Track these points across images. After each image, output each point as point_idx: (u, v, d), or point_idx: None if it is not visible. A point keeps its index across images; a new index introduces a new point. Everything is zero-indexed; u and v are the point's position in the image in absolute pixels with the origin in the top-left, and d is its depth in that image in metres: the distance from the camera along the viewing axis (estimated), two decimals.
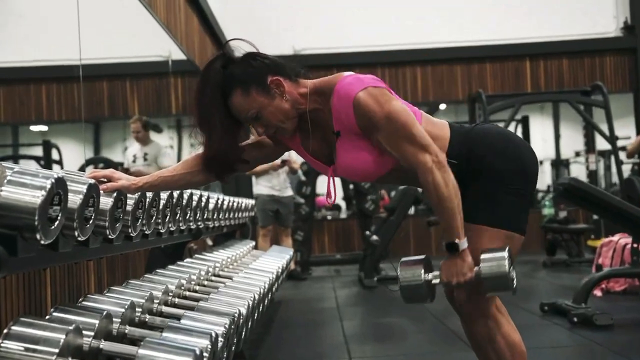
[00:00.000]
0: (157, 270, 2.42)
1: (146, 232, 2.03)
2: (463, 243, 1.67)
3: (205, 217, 3.10)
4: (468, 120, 7.97)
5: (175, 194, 2.38)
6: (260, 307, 2.71)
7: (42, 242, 1.28)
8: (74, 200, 1.41)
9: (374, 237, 5.88)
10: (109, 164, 7.54)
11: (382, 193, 9.02)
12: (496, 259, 1.68)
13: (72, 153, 9.66)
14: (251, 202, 5.01)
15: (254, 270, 3.18)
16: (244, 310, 2.03)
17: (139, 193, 1.82)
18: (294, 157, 6.19)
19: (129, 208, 1.78)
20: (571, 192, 3.72)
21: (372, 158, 1.70)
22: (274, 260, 3.98)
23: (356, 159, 1.70)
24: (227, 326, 1.68)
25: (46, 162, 8.64)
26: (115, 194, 1.64)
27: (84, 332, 1.39)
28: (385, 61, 8.87)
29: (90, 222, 1.50)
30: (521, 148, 1.81)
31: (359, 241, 8.11)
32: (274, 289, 3.34)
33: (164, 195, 2.19)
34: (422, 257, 1.76)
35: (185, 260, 2.95)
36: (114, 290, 1.84)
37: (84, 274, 2.89)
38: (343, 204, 9.19)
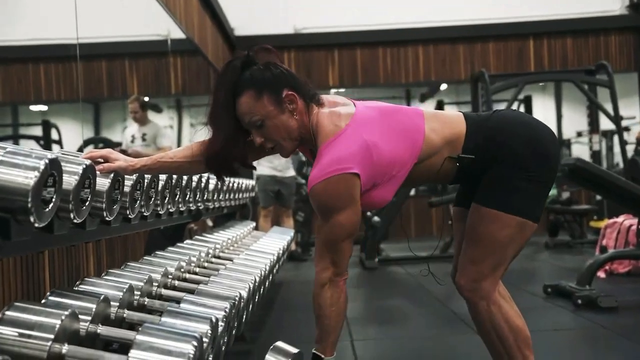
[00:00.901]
0: (157, 252, 2.39)
1: (145, 213, 1.99)
2: None
3: (205, 198, 3.06)
4: (470, 100, 7.89)
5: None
6: (262, 290, 2.68)
7: (36, 224, 1.23)
8: (69, 181, 1.36)
9: (375, 219, 5.84)
10: (108, 143, 7.48)
11: None
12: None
13: (72, 133, 9.61)
14: (251, 182, 4.97)
15: (254, 252, 3.14)
16: (244, 294, 1.99)
17: (137, 174, 1.77)
18: None
19: (126, 189, 1.74)
20: (576, 173, 3.67)
21: (373, 194, 1.67)
22: (275, 241, 3.94)
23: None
24: (227, 310, 1.64)
25: (45, 142, 8.60)
26: (112, 175, 1.59)
27: (81, 316, 1.35)
28: (387, 40, 8.76)
29: (87, 204, 1.45)
30: (543, 134, 1.75)
31: (362, 222, 8.07)
32: (274, 270, 3.31)
33: (162, 176, 2.15)
34: (295, 351, 1.64)
35: (185, 242, 2.91)
36: (112, 273, 1.80)
37: (83, 256, 2.86)
38: None
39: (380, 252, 6.10)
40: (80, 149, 7.97)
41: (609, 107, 6.90)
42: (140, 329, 1.24)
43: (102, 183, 1.56)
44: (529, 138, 1.72)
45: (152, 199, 2.03)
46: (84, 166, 1.40)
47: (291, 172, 6.40)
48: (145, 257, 2.20)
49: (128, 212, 1.77)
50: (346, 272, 1.67)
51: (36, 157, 1.21)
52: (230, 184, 3.81)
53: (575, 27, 8.74)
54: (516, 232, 1.71)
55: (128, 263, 2.00)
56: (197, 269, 2.53)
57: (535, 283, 4.46)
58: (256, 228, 5.65)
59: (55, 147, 8.26)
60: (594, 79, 7.19)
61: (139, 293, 1.74)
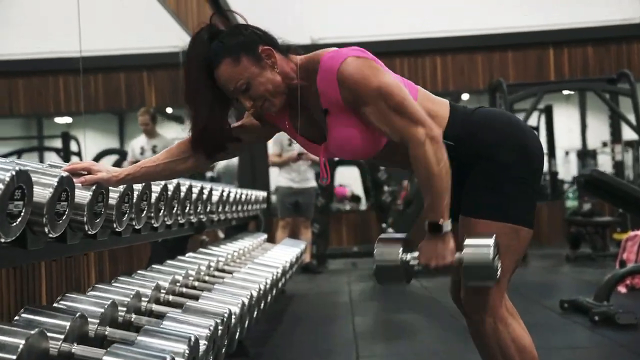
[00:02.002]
0: (153, 266, 2.34)
1: (136, 226, 1.94)
2: (447, 225, 1.55)
3: (208, 210, 3.02)
4: None
5: (171, 186, 2.29)
6: (262, 304, 2.62)
7: (2, 239, 1.19)
8: (43, 194, 1.32)
9: (390, 230, 5.76)
10: (124, 155, 7.51)
11: (405, 184, 8.86)
12: (481, 246, 1.54)
13: (96, 145, 9.71)
14: (263, 194, 4.92)
15: (258, 264, 3.08)
16: (236, 310, 1.93)
17: (124, 186, 1.73)
18: None
19: (112, 202, 1.69)
20: (593, 184, 3.56)
21: (361, 135, 1.59)
22: (283, 254, 3.88)
23: (345, 136, 1.59)
24: (212, 328, 1.58)
25: (65, 153, 8.68)
26: (94, 187, 1.54)
27: (54, 335, 1.30)
28: (404, 50, 8.70)
29: (64, 217, 1.41)
30: (527, 134, 1.69)
31: (377, 234, 7.97)
32: (280, 284, 3.24)
33: (156, 188, 2.10)
34: (402, 235, 1.63)
35: (187, 255, 2.86)
36: (98, 288, 1.75)
37: (84, 267, 2.82)
38: (363, 195, 9.07)
39: None
40: (96, 160, 7.99)
41: (631, 117, 6.74)
42: (108, 349, 1.18)
43: (83, 195, 1.51)
44: (512, 137, 1.65)
45: (144, 211, 1.98)
46: (60, 178, 1.36)
47: (311, 183, 6.36)
48: (139, 271, 2.15)
49: (115, 226, 1.72)
50: (436, 126, 1.54)
51: (2, 169, 1.17)
52: (238, 196, 3.77)
53: (596, 36, 8.59)
54: (511, 239, 1.63)
55: (118, 277, 1.96)
56: (196, 283, 2.48)
57: (552, 297, 4.32)
58: (272, 239, 5.61)
59: (74, 158, 8.33)
60: (615, 87, 7.03)
61: (124, 309, 1.69)
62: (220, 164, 8.72)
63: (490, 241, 1.54)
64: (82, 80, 8.54)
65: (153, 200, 2.06)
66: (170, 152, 1.68)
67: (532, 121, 9.34)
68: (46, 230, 1.34)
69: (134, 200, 1.85)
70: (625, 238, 4.95)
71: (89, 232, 1.56)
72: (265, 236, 4.72)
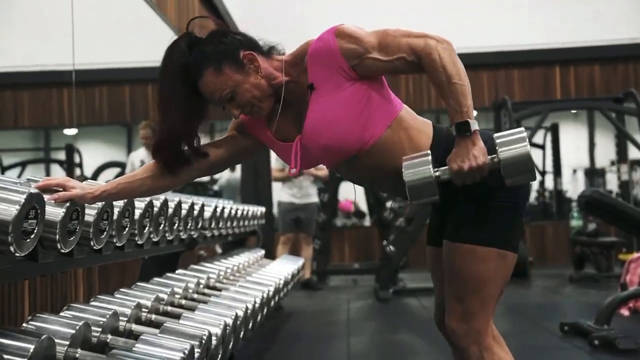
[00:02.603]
0: (138, 283, 2.29)
1: (117, 244, 1.90)
2: (474, 124, 1.48)
3: (200, 226, 2.98)
4: (494, 127, 7.71)
5: (158, 202, 2.25)
6: (251, 323, 2.56)
7: None
8: (9, 212, 1.28)
9: (390, 247, 5.69)
10: (124, 167, 7.50)
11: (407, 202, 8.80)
12: (514, 136, 1.47)
13: (103, 156, 9.71)
14: (262, 209, 4.88)
15: (250, 282, 3.03)
16: (217, 331, 1.87)
17: (102, 203, 1.69)
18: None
19: (89, 219, 1.65)
20: (594, 205, 3.49)
21: (345, 119, 1.53)
22: (279, 270, 3.83)
23: (328, 117, 1.53)
24: (186, 352, 1.53)
25: (68, 165, 8.68)
26: (67, 205, 1.50)
27: (17, 359, 1.26)
28: None
29: (33, 235, 1.37)
30: None
31: (379, 251, 7.91)
32: (272, 302, 3.19)
33: (140, 204, 2.06)
34: (426, 152, 1.54)
35: (177, 272, 2.82)
36: (74, 307, 1.70)
37: (71, 284, 2.78)
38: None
39: (397, 282, 5.92)
40: (97, 173, 7.99)
41: (638, 137, 6.67)
42: None
43: (56, 213, 1.47)
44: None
45: (127, 228, 1.94)
46: (28, 195, 1.32)
47: (313, 199, 6.32)
48: (121, 289, 2.10)
49: (92, 243, 1.68)
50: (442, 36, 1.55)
51: None
52: (233, 212, 3.72)
53: (603, 55, 8.52)
54: (497, 265, 1.57)
55: (98, 295, 1.91)
56: (183, 301, 2.44)
57: (553, 319, 4.23)
58: (270, 255, 5.55)
59: (76, 170, 8.33)
60: (621, 107, 6.97)
61: (99, 330, 1.64)
62: (224, 178, 8.71)
63: (523, 131, 1.48)
64: (86, 93, 8.57)
65: (137, 216, 2.02)
66: (147, 168, 1.64)
67: (538, 139, 9.27)
68: (12, 249, 1.30)
69: (115, 217, 1.81)
70: (629, 260, 4.86)
71: (62, 251, 1.52)
72: (262, 252, 4.67)
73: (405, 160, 1.51)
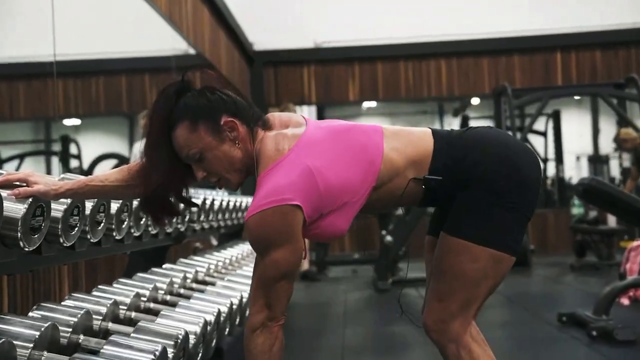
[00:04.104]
0: (120, 279, 2.23)
1: (92, 240, 1.83)
2: None
3: (188, 218, 2.91)
4: (494, 114, 7.63)
5: None
6: (238, 319, 2.50)
7: None
8: None
9: (388, 238, 5.62)
10: (122, 160, 7.44)
11: None
12: None
13: (102, 146, 9.64)
14: None
15: (239, 276, 2.96)
16: (197, 329, 1.81)
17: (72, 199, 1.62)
18: None
19: (57, 215, 1.58)
20: (591, 193, 3.41)
21: (329, 226, 1.48)
22: None
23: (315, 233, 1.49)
24: (157, 354, 1.46)
25: (64, 157, 8.62)
26: (30, 201, 1.44)
27: None
28: (408, 54, 8.55)
29: None
30: (520, 156, 1.54)
31: (378, 241, 7.85)
32: None
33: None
34: None
35: (164, 266, 2.75)
36: (44, 307, 1.64)
37: (55, 279, 2.73)
38: None
39: (397, 272, 5.86)
40: (93, 165, 7.93)
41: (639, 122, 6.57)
42: None
43: (17, 209, 1.41)
44: (504, 159, 1.52)
45: (102, 223, 1.88)
46: None
47: None
48: (100, 286, 2.04)
49: (62, 240, 1.62)
50: (283, 316, 1.46)
51: None
52: (225, 204, 3.66)
53: (605, 40, 8.40)
54: (489, 266, 1.51)
55: (73, 293, 1.85)
56: (168, 297, 2.38)
57: (553, 309, 4.16)
58: None
59: (73, 162, 8.28)
60: (622, 92, 6.88)
61: (69, 330, 1.58)
62: None
63: None
64: (83, 84, 8.50)
65: (113, 211, 1.95)
66: (122, 175, 1.56)
67: (540, 126, 9.18)
68: None
69: (88, 212, 1.74)
70: (629, 248, 4.78)
71: (26, 249, 1.45)
72: None
73: None
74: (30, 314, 1.61)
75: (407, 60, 8.60)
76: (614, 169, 10.62)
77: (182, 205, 1.65)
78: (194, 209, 2.99)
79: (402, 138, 1.54)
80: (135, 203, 2.16)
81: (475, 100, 10.10)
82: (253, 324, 1.44)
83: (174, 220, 1.50)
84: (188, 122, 1.45)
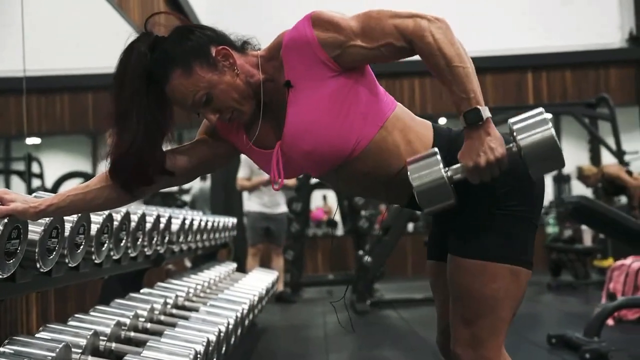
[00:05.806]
0: (97, 307, 2.04)
1: (70, 264, 1.66)
2: (485, 110, 1.26)
3: (167, 240, 2.74)
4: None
5: (118, 215, 2.01)
6: (224, 348, 2.33)
7: None
8: None
9: (366, 258, 5.49)
10: (89, 178, 7.18)
11: (381, 208, 8.63)
12: (533, 119, 1.27)
13: (64, 166, 9.33)
14: (232, 220, 4.64)
15: (223, 301, 2.80)
16: None
17: (50, 219, 1.45)
18: None
19: (34, 237, 1.41)
20: (581, 212, 3.35)
21: (327, 119, 1.33)
22: (252, 286, 3.60)
23: (311, 115, 1.34)
24: None
25: (27, 176, 8.30)
26: (5, 221, 1.27)
27: None
28: (382, 72, 8.43)
29: None
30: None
31: (353, 261, 7.72)
32: (247, 321, 2.96)
33: (98, 218, 1.83)
34: (433, 149, 1.34)
35: (141, 291, 2.57)
36: (17, 341, 1.46)
37: (22, 309, 2.51)
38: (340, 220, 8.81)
39: (374, 293, 5.72)
40: (58, 183, 7.65)
41: (611, 142, 6.62)
42: None
43: None
44: (511, 163, 1.41)
45: (82, 246, 1.71)
46: None
47: (282, 209, 6.07)
48: (76, 315, 1.86)
49: (39, 265, 1.45)
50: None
51: None
52: (203, 224, 3.49)
53: (575, 60, 8.52)
54: (509, 282, 1.38)
55: (47, 325, 1.67)
56: (149, 325, 2.20)
57: (538, 330, 4.09)
58: (241, 268, 5.31)
59: (35, 181, 7.97)
60: (594, 112, 6.93)
61: None
62: (195, 188, 8.40)
63: (542, 111, 1.28)
64: (46, 101, 8.23)
65: (93, 232, 1.78)
66: (103, 177, 1.41)
67: None
68: None
69: (66, 235, 1.57)
70: (612, 268, 4.75)
71: (0, 276, 1.28)
72: (234, 265, 4.43)
73: (410, 163, 1.31)
74: (1, 349, 1.42)
75: (380, 78, 8.52)
76: (575, 188, 10.71)
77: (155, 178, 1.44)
78: (174, 229, 2.82)
79: (411, 116, 1.46)
80: (116, 224, 1.99)
81: (441, 120, 10.12)
82: (421, 25, 1.30)
83: (144, 189, 1.30)
84: (181, 69, 1.32)
